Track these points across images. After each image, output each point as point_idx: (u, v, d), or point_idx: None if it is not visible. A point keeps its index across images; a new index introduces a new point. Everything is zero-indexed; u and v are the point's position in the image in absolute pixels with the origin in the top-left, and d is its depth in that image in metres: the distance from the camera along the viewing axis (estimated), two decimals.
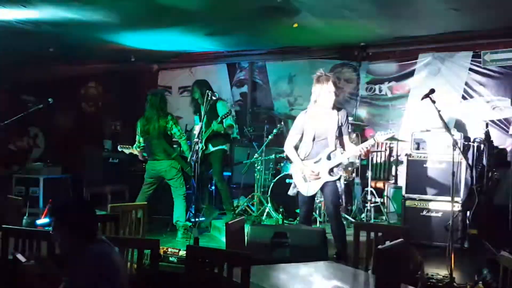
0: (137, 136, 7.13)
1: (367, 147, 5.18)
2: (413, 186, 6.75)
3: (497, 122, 7.64)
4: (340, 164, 5.16)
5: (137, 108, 7.17)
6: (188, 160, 6.82)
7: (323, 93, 5.02)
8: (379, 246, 3.27)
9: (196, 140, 5.98)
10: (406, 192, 6.78)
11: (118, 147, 7.46)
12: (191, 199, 6.95)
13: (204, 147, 6.97)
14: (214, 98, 6.25)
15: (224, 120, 6.74)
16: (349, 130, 5.83)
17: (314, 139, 5.14)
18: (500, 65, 7.69)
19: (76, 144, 10.24)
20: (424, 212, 6.62)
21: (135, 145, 7.17)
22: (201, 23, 7.33)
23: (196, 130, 6.20)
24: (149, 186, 7.07)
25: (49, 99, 7.11)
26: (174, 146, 7.37)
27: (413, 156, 6.82)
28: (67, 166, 9.26)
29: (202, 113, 6.18)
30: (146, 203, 6.15)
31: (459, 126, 7.76)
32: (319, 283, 3.62)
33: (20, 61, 9.90)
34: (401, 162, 8.04)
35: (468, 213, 6.44)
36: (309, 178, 5.13)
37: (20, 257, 2.96)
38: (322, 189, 5.18)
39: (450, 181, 5.18)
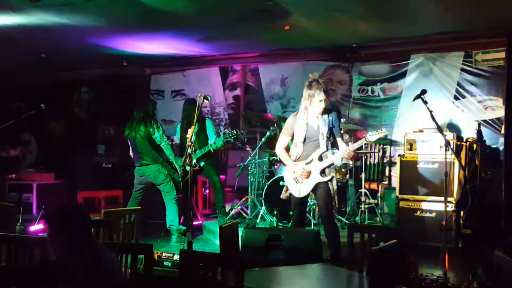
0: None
1: (350, 150, 5.12)
2: (407, 187, 6.76)
3: (489, 121, 7.67)
4: (331, 165, 5.16)
5: (130, 113, 7.15)
6: (181, 164, 6.81)
7: (314, 102, 5.02)
8: (373, 248, 3.27)
9: (189, 143, 5.97)
10: (400, 193, 6.79)
11: None
12: (183, 203, 6.94)
13: (196, 166, 7.01)
14: (207, 101, 6.25)
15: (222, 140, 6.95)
16: (342, 132, 5.83)
17: (304, 141, 5.14)
18: (491, 65, 7.73)
19: (69, 149, 10.21)
20: (418, 213, 6.63)
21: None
22: (193, 27, 7.33)
23: (189, 134, 6.17)
24: (139, 191, 7.06)
25: (42, 105, 7.09)
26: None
27: (406, 157, 6.83)
28: (60, 172, 9.22)
29: (195, 117, 6.16)
30: (139, 207, 6.13)
31: (452, 126, 7.80)
32: (313, 285, 3.62)
33: (12, 67, 9.88)
34: (394, 163, 8.06)
35: (461, 213, 6.46)
36: (300, 179, 5.13)
37: None
38: (314, 191, 5.17)
39: (443, 181, 5.19)
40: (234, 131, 7.08)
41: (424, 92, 5.04)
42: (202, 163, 7.11)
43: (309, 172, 5.08)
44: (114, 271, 2.95)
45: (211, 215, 8.40)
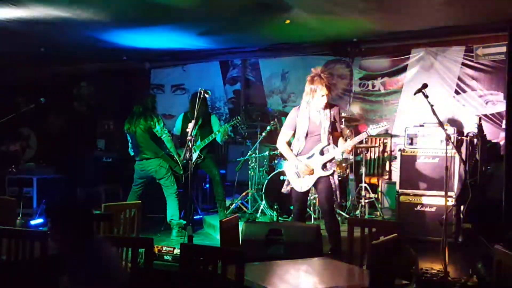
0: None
1: (350, 144, 5.15)
2: (407, 181, 6.76)
3: (490, 116, 7.66)
4: (333, 159, 5.16)
5: (130, 107, 7.13)
6: (182, 158, 6.80)
7: (316, 97, 5.02)
8: (373, 242, 3.27)
9: (189, 137, 5.96)
10: (400, 188, 6.79)
11: None
12: (184, 197, 6.93)
13: (201, 156, 7.03)
14: (207, 95, 6.25)
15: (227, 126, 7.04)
16: (342, 126, 5.84)
17: (306, 135, 5.14)
18: (492, 59, 7.72)
19: (69, 144, 10.20)
20: (418, 207, 6.63)
21: None
22: (193, 21, 7.31)
23: (190, 128, 6.16)
24: (139, 186, 7.04)
25: (41, 99, 7.08)
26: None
27: (406, 152, 6.82)
28: (60, 166, 9.21)
29: (195, 111, 6.15)
30: (139, 201, 6.12)
31: (452, 120, 7.79)
32: (313, 279, 3.62)
33: (11, 61, 9.86)
34: (395, 158, 8.05)
35: (462, 207, 6.46)
36: (302, 174, 5.13)
37: None
38: (315, 185, 5.17)
39: (443, 176, 5.19)
40: (238, 116, 7.10)
41: (425, 86, 5.03)
42: (203, 156, 7.11)
43: (312, 168, 5.09)
44: (116, 265, 2.95)
45: (212, 209, 8.40)
